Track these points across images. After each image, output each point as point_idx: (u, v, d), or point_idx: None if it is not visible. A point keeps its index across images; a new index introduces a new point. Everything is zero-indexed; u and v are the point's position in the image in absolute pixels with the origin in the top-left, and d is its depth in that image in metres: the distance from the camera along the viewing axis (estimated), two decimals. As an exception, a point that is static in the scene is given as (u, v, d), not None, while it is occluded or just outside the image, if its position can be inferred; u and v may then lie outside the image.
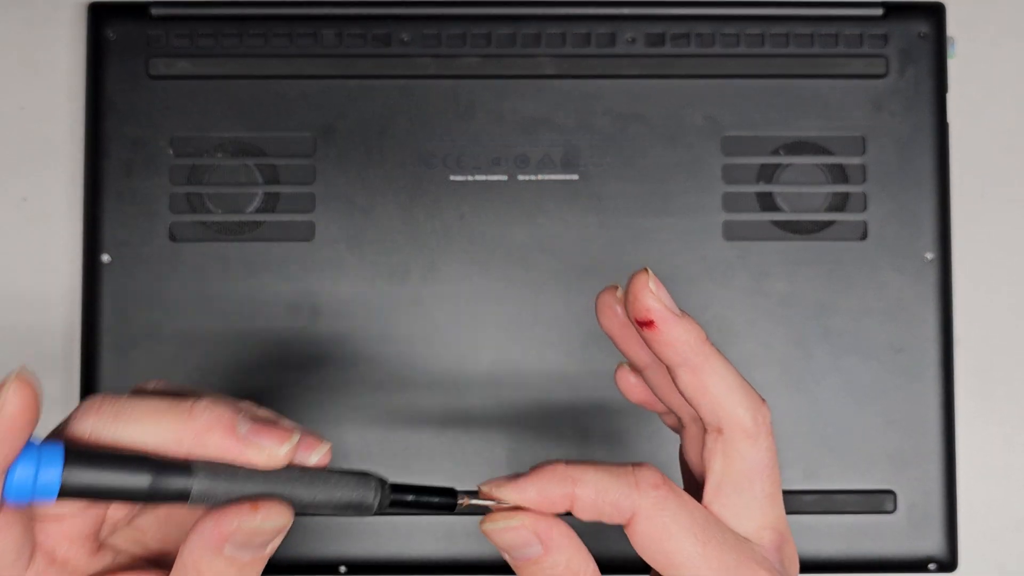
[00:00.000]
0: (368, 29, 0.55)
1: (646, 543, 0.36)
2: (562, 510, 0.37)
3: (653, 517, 0.36)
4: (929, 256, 0.54)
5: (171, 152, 0.54)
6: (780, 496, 0.38)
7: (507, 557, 0.37)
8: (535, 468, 0.36)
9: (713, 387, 0.37)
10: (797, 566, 0.39)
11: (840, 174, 0.55)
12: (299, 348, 0.54)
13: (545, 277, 0.54)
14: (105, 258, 0.54)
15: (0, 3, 0.58)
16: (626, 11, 0.55)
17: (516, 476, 0.36)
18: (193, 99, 0.54)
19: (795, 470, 0.54)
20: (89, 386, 0.54)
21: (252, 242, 0.54)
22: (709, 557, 0.36)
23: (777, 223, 0.55)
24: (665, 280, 0.54)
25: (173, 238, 0.54)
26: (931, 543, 0.54)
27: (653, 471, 0.36)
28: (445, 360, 0.54)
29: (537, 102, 0.55)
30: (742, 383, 0.38)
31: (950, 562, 0.54)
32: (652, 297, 0.37)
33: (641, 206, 0.54)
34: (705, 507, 0.37)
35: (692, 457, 0.40)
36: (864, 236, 0.55)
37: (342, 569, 0.54)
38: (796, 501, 0.54)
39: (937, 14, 0.56)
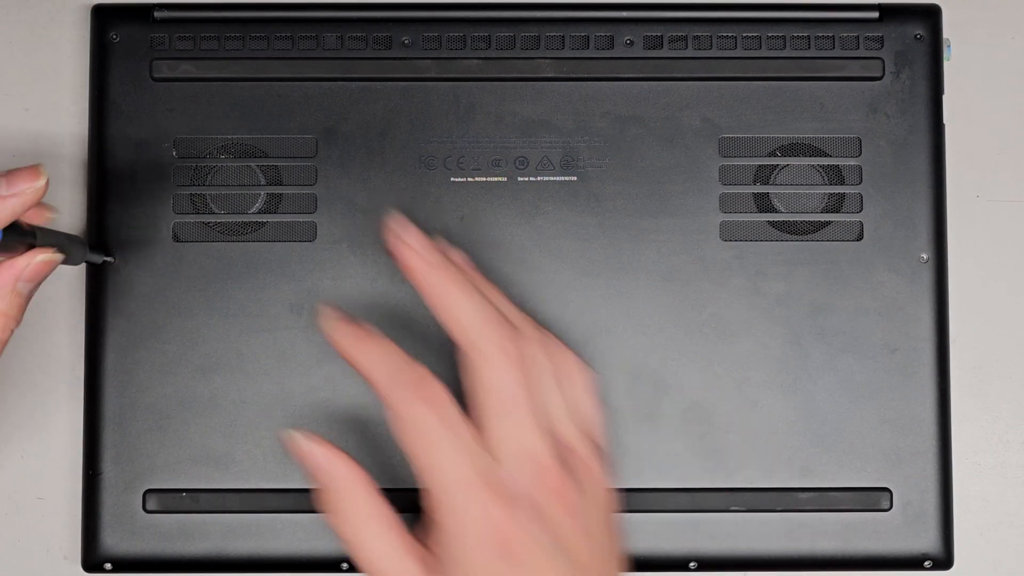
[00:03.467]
0: (369, 32, 0.55)
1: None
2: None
3: (396, 418, 0.45)
4: (924, 256, 0.55)
5: (174, 154, 0.55)
6: (532, 421, 0.45)
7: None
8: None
9: (440, 309, 0.46)
10: (566, 501, 0.45)
11: (836, 175, 0.55)
12: (301, 348, 0.54)
13: (544, 277, 0.55)
14: (109, 259, 0.54)
15: (3, 5, 0.58)
16: (624, 14, 0.55)
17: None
18: (196, 101, 0.55)
19: (791, 468, 0.54)
20: (93, 386, 0.54)
21: (254, 243, 0.55)
22: (427, 463, 0.45)
23: (773, 224, 0.55)
24: (663, 280, 0.54)
25: (176, 239, 0.55)
26: (926, 540, 0.54)
27: (423, 386, 0.45)
28: (444, 360, 0.54)
29: (536, 104, 0.55)
30: (476, 309, 0.46)
31: (945, 559, 0.55)
32: (391, 235, 0.46)
33: (639, 207, 0.55)
34: (474, 427, 0.46)
35: None
36: (860, 237, 0.55)
37: (344, 566, 0.54)
38: (792, 499, 0.54)
39: (933, 17, 0.56)
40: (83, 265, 0.55)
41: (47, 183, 0.47)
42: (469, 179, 0.55)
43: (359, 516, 0.46)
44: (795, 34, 0.55)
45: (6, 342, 0.48)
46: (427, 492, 0.45)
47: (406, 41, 0.55)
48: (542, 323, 0.54)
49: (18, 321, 0.49)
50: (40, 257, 0.48)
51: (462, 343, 0.46)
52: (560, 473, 0.46)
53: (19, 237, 0.47)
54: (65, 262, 0.50)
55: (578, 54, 0.55)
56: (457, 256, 0.50)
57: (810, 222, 0.55)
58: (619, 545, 0.49)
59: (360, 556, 0.46)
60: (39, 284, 0.49)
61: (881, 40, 0.56)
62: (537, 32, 0.55)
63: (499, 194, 0.55)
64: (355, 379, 0.54)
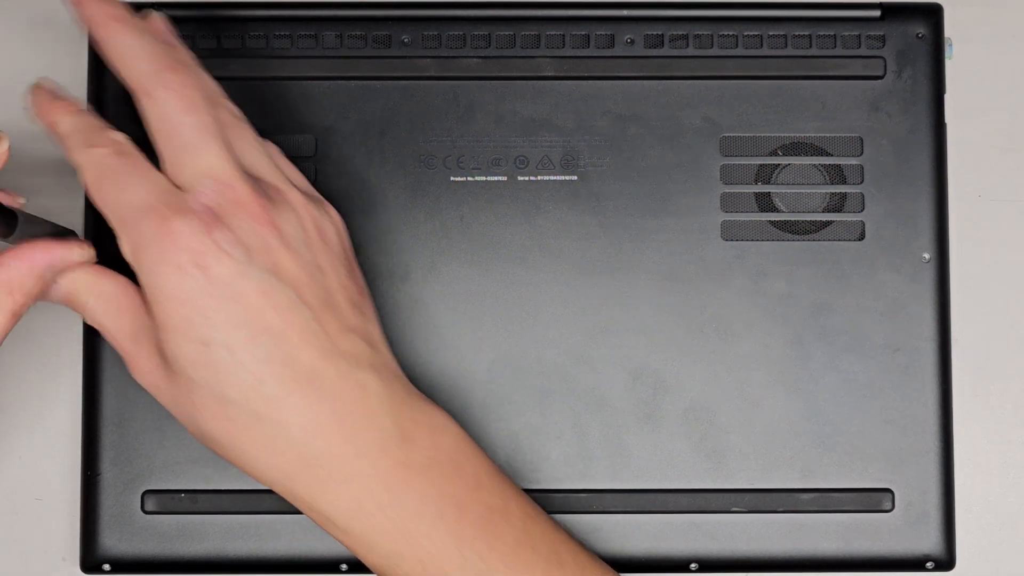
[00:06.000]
0: (369, 31, 0.55)
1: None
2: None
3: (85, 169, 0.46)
4: (926, 256, 0.55)
5: (173, 153, 0.55)
6: (214, 149, 0.45)
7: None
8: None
9: (112, 55, 0.46)
10: (255, 212, 0.45)
11: (838, 175, 0.55)
12: (300, 348, 0.54)
13: (544, 277, 0.55)
14: (107, 258, 0.54)
15: (2, 4, 0.58)
16: (625, 13, 0.55)
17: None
18: (195, 100, 0.55)
19: (792, 469, 0.54)
20: (92, 386, 0.54)
21: (253, 242, 0.54)
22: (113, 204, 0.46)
23: (775, 223, 0.55)
24: (664, 280, 0.54)
25: (175, 238, 0.54)
26: (929, 541, 0.54)
27: (112, 138, 0.47)
28: (444, 360, 0.54)
29: (536, 103, 0.55)
30: (149, 51, 0.46)
31: (948, 560, 0.54)
32: None
33: (640, 206, 0.55)
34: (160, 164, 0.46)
35: None
36: (862, 236, 0.55)
37: (343, 567, 0.54)
38: (793, 500, 0.54)
39: (934, 15, 0.56)
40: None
41: (9, 148, 0.46)
42: (469, 178, 0.55)
43: (96, 300, 0.47)
44: (796, 33, 0.55)
45: (18, 318, 0.47)
46: (120, 239, 0.45)
47: (406, 40, 0.55)
48: (542, 323, 0.54)
49: (33, 302, 0.48)
50: (78, 253, 0.48)
51: (126, 82, 0.46)
52: (245, 189, 0.46)
53: None
54: None
55: (578, 53, 0.55)
56: (157, 22, 0.50)
57: (812, 221, 0.55)
58: (347, 276, 0.48)
59: (109, 336, 0.47)
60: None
61: (883, 39, 0.55)
62: (537, 31, 0.55)
63: (499, 194, 0.55)
64: (354, 379, 0.54)
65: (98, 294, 0.47)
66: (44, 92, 0.48)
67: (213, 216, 0.45)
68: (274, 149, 0.51)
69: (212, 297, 0.44)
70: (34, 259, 0.47)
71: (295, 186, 0.49)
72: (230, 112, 0.49)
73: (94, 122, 0.47)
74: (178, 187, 0.46)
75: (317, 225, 0.48)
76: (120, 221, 0.45)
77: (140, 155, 0.46)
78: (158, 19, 0.50)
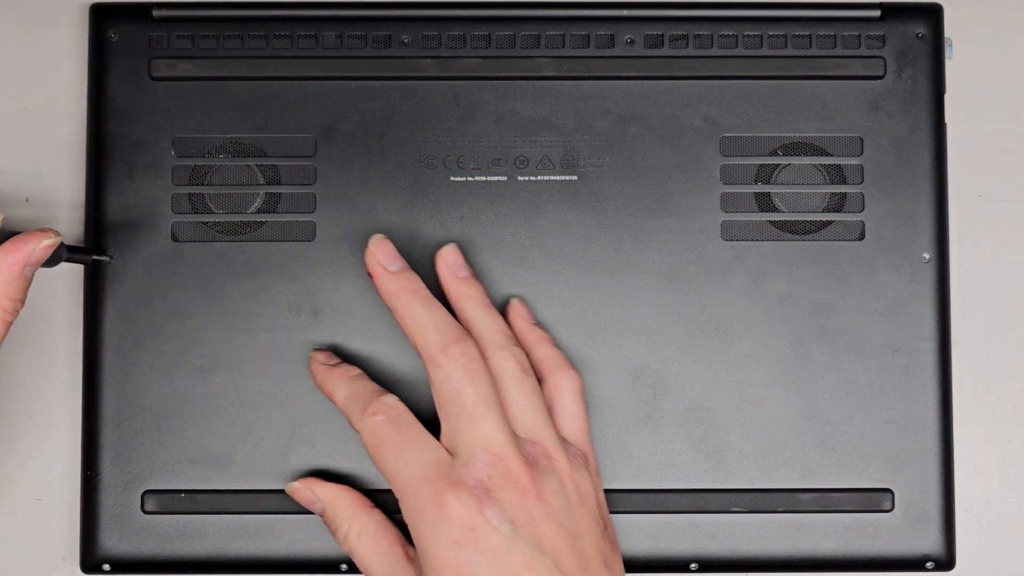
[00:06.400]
0: (369, 31, 0.55)
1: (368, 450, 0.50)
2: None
3: (364, 436, 0.50)
4: (926, 256, 0.55)
5: (173, 153, 0.55)
6: (491, 419, 0.48)
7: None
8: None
9: (406, 326, 0.50)
10: (522, 486, 0.48)
11: (838, 175, 0.55)
12: (300, 348, 0.54)
13: (544, 277, 0.55)
14: (103, 258, 0.54)
15: (1, 4, 0.58)
16: (625, 13, 0.55)
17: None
18: (195, 100, 0.55)
19: (792, 469, 0.54)
20: (92, 387, 0.54)
21: (253, 242, 0.54)
22: (392, 471, 0.48)
23: (775, 223, 0.55)
24: (664, 279, 0.54)
25: (175, 238, 0.54)
26: (928, 541, 0.54)
27: (386, 404, 0.49)
28: (445, 359, 0.54)
29: (536, 103, 0.55)
30: (437, 323, 0.49)
31: (948, 560, 0.54)
32: (369, 256, 0.51)
33: (640, 206, 0.55)
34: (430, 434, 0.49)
35: None
36: (862, 236, 0.55)
37: (343, 567, 0.54)
38: (793, 500, 0.54)
39: (934, 15, 0.56)
40: (81, 265, 0.55)
41: None
42: (469, 178, 0.55)
43: (356, 535, 0.51)
44: (796, 33, 0.55)
45: (11, 324, 0.49)
46: (400, 503, 0.49)
47: (406, 40, 0.55)
48: (542, 323, 0.54)
49: (23, 304, 0.50)
50: (45, 242, 0.49)
51: (417, 350, 0.50)
52: (516, 461, 0.48)
53: None
54: (43, 264, 0.50)
55: (578, 53, 0.55)
56: (451, 253, 0.53)
57: (812, 221, 0.55)
58: (601, 536, 0.50)
59: (364, 568, 0.50)
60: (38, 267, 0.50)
61: (883, 39, 0.55)
62: (537, 31, 0.55)
63: (499, 194, 0.55)
64: (354, 379, 0.54)
65: (360, 528, 0.51)
66: (321, 362, 0.52)
67: (484, 491, 0.47)
68: (570, 387, 0.52)
69: (482, 568, 0.47)
70: (9, 261, 0.48)
71: (564, 438, 0.51)
72: (514, 360, 0.50)
73: (369, 388, 0.50)
74: (453, 452, 0.48)
75: (578, 488, 0.50)
76: (399, 487, 0.48)
77: (414, 420, 0.49)
78: (453, 251, 0.52)
